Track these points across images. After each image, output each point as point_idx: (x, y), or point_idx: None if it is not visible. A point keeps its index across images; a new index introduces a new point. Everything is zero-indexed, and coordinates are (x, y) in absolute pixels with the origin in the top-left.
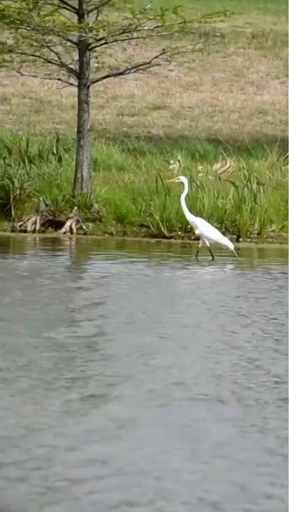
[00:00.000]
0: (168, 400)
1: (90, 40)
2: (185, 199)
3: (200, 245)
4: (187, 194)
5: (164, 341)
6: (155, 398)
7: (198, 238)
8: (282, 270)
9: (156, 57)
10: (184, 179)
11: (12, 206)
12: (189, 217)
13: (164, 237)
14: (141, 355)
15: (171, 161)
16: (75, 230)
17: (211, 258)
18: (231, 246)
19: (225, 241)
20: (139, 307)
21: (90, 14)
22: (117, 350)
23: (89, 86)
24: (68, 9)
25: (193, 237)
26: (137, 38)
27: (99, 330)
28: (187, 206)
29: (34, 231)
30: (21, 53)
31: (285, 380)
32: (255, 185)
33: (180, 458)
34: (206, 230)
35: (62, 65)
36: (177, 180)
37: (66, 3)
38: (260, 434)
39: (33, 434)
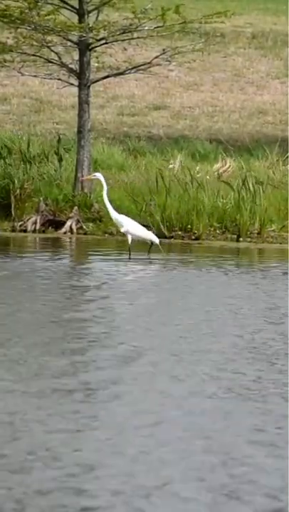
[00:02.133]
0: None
1: (91, 40)
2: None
3: (129, 242)
4: (107, 190)
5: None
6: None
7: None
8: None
9: (156, 57)
10: (99, 175)
11: (12, 206)
12: (113, 214)
13: (164, 237)
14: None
15: (171, 161)
16: (75, 230)
17: (128, 256)
18: (157, 240)
19: (151, 236)
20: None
21: (91, 14)
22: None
23: (89, 86)
24: (68, 9)
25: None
26: (138, 38)
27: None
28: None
29: (34, 231)
30: (21, 53)
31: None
32: (254, 185)
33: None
34: (131, 227)
35: (62, 65)
36: (93, 177)
37: (66, 3)
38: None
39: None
